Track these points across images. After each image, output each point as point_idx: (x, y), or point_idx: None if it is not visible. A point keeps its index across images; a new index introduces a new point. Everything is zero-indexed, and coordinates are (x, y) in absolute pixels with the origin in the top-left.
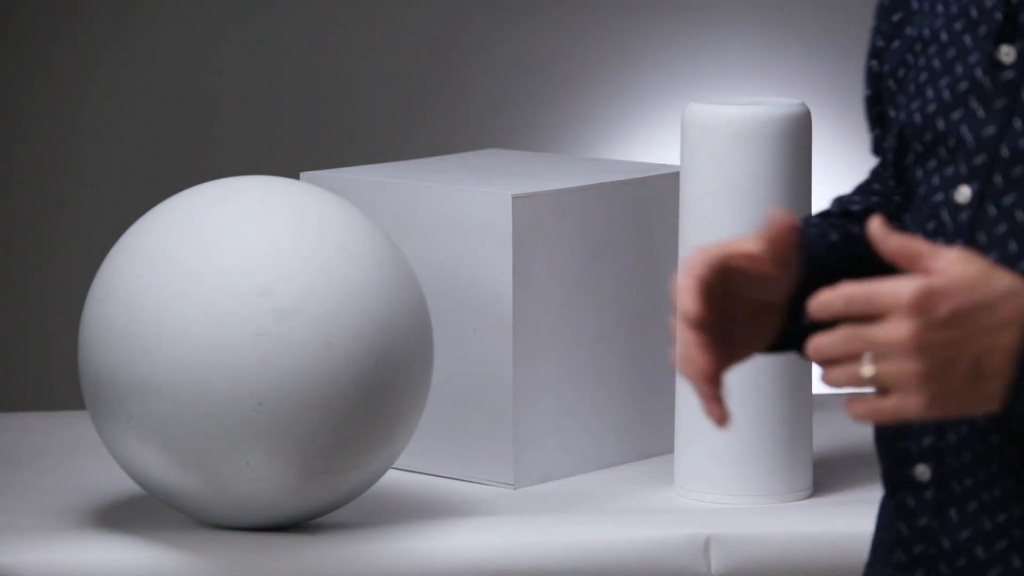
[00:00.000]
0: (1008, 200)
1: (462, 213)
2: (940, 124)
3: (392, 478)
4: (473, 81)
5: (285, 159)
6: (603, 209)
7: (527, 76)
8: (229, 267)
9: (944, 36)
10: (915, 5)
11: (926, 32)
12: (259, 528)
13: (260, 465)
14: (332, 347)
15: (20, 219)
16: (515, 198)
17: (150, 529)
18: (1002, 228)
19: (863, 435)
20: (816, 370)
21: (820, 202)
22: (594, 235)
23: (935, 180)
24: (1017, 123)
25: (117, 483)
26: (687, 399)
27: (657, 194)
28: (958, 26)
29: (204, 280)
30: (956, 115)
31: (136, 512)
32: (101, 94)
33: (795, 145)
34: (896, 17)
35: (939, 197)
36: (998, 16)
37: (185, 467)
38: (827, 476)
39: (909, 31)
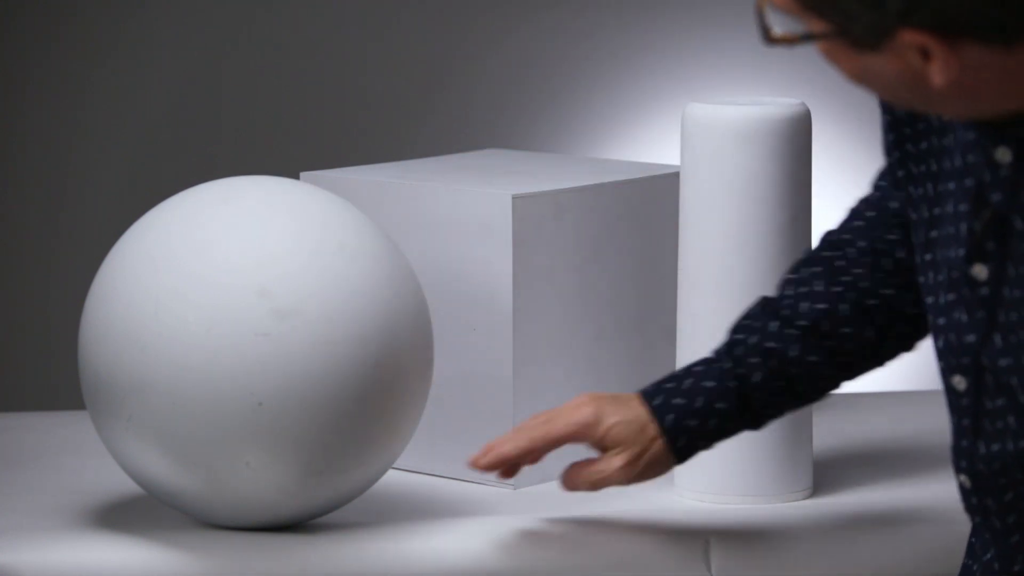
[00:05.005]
0: (1000, 401)
1: (462, 213)
2: (940, 320)
3: (392, 478)
4: (473, 81)
5: (285, 159)
6: (603, 209)
7: (527, 76)
8: (229, 267)
9: (937, 244)
10: (934, 167)
11: (926, 213)
12: (259, 528)
13: (260, 465)
14: (332, 347)
15: (20, 219)
16: (515, 198)
17: (150, 529)
18: (1000, 424)
19: (863, 435)
20: None
21: (820, 202)
22: (594, 235)
23: (941, 364)
24: (997, 340)
25: (117, 483)
26: None
27: (657, 194)
28: (949, 233)
29: (204, 280)
30: (942, 321)
31: (136, 512)
32: (101, 94)
33: (795, 145)
34: (923, 168)
35: (944, 382)
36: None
37: (185, 467)
38: (827, 476)
39: (920, 193)
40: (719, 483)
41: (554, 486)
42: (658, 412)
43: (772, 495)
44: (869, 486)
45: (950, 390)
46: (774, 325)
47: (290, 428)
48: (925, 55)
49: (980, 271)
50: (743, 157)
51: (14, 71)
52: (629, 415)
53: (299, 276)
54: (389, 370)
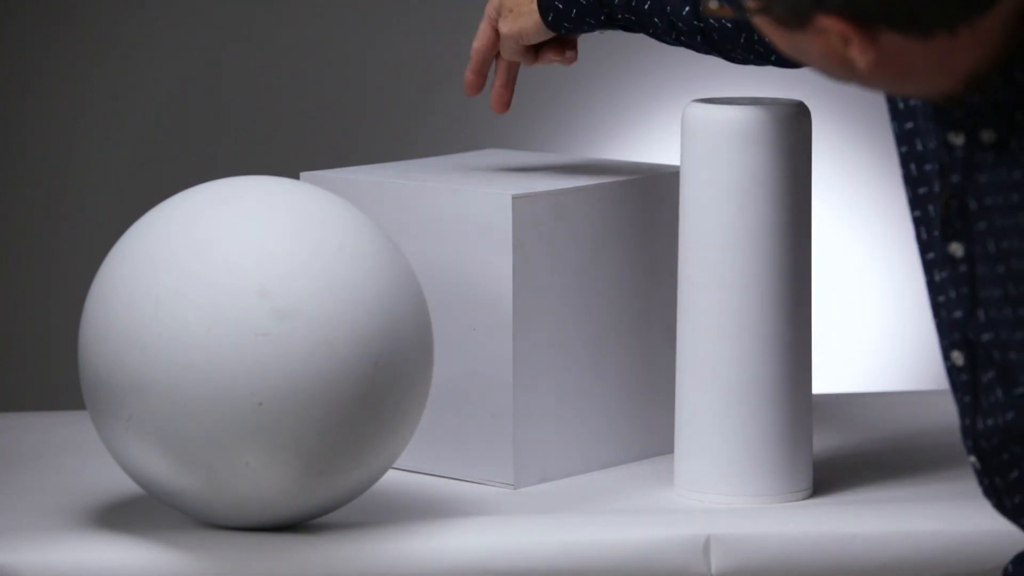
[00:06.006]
0: (990, 374)
1: (462, 213)
2: (939, 297)
3: (392, 478)
4: None
5: (285, 159)
6: (603, 209)
7: (527, 76)
8: (229, 267)
9: (923, 224)
10: (919, 147)
11: (911, 192)
12: (259, 528)
13: (260, 465)
14: (332, 347)
15: (20, 219)
16: (515, 198)
17: (150, 529)
18: (992, 398)
19: (863, 435)
20: (816, 369)
21: (820, 202)
22: (594, 235)
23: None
24: (980, 315)
25: (117, 483)
26: (687, 399)
27: (657, 194)
28: (929, 212)
29: (204, 280)
30: (941, 298)
31: (136, 512)
32: (101, 94)
33: (795, 145)
34: (904, 149)
35: (945, 361)
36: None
37: (185, 467)
38: (827, 476)
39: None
40: (719, 483)
41: (554, 486)
42: None
43: (772, 495)
44: (869, 486)
45: (951, 368)
46: None
47: (290, 428)
48: (845, 40)
49: (956, 249)
50: (743, 157)
51: (14, 71)
52: None
53: (299, 276)
54: (389, 370)
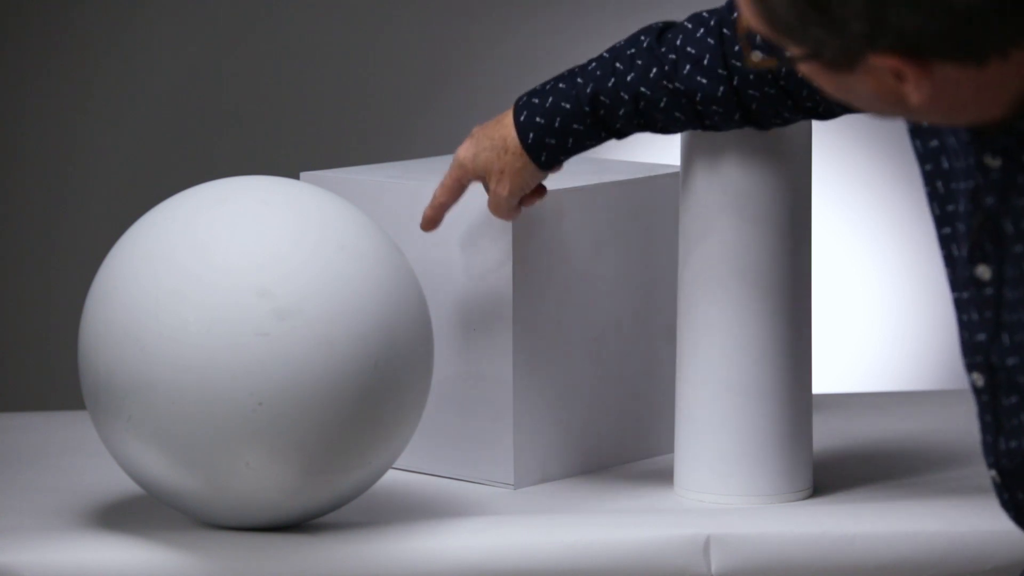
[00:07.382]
0: (1013, 399)
1: (462, 213)
2: (963, 316)
3: (392, 478)
4: (473, 81)
5: (285, 159)
6: (603, 209)
7: (527, 76)
8: (229, 267)
9: (951, 241)
10: (945, 164)
11: (938, 210)
12: (259, 528)
13: (260, 465)
14: (332, 347)
15: (21, 219)
16: None
17: (150, 529)
18: (1015, 421)
19: (863, 435)
20: (816, 369)
21: (820, 203)
22: (594, 235)
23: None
24: (1005, 339)
25: (117, 483)
26: (687, 399)
27: (657, 194)
28: (960, 231)
29: (204, 280)
30: (964, 317)
31: (136, 512)
32: (101, 94)
33: (795, 146)
34: (928, 167)
35: (968, 377)
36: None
37: (185, 467)
38: (827, 476)
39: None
40: (719, 483)
41: (554, 486)
42: (521, 130)
43: (772, 495)
44: (869, 486)
45: (973, 387)
46: (655, 72)
47: (290, 428)
48: (898, 76)
49: (984, 271)
50: (743, 158)
51: (15, 71)
52: (496, 137)
53: (299, 276)
54: (389, 370)
